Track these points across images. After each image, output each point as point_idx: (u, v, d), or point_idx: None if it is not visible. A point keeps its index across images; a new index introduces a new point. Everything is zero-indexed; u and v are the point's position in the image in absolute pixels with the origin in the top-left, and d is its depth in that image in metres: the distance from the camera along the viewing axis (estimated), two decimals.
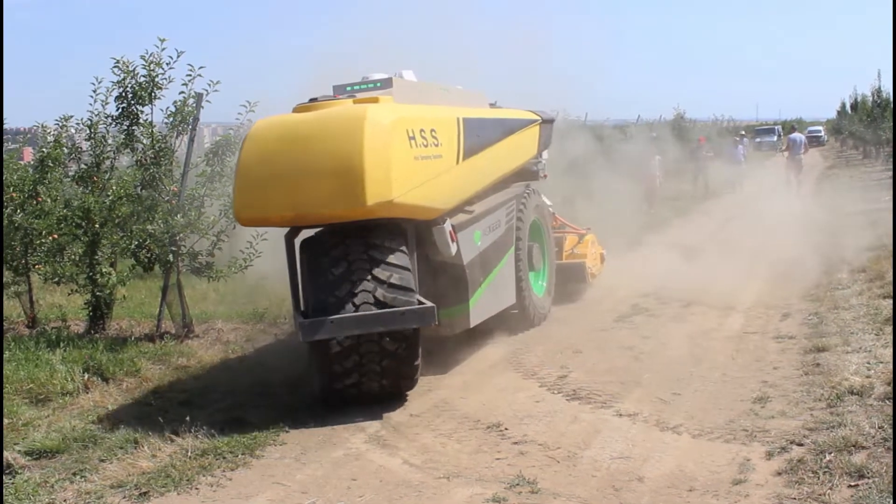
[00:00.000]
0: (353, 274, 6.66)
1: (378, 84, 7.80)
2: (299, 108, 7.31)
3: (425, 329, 6.99)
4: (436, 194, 7.33)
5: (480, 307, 8.21)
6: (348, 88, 7.84)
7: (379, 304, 6.57)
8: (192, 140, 9.87)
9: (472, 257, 8.09)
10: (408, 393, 7.12)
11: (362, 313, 6.49)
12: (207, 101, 9.53)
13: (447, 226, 7.58)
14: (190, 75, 9.17)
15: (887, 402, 6.00)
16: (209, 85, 9.41)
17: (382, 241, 6.86)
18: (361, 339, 6.60)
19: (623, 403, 6.57)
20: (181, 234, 9.36)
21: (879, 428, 5.49)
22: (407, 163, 6.88)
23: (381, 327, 6.50)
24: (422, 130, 7.17)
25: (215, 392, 7.45)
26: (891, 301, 9.15)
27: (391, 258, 6.77)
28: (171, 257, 9.38)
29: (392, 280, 6.68)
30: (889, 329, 8.04)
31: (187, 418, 6.39)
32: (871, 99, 44.32)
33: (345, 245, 6.84)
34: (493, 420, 6.33)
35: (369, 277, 6.64)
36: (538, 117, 10.75)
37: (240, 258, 10.26)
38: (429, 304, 6.76)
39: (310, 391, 7.21)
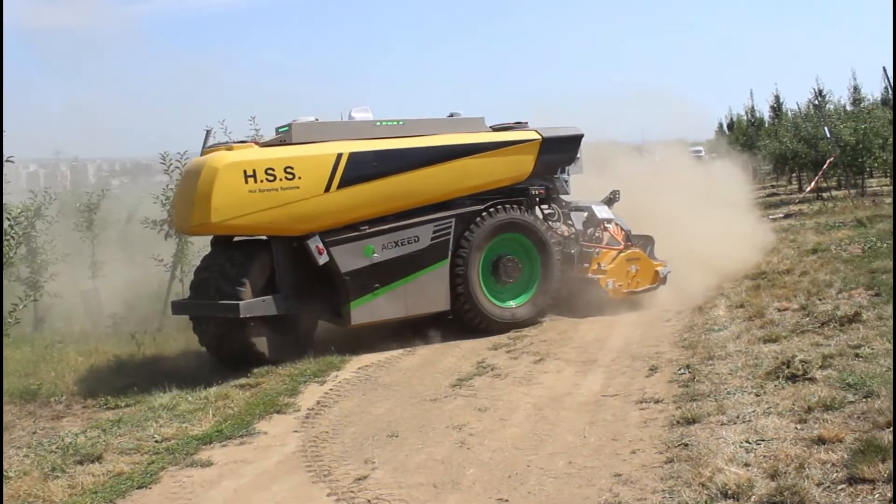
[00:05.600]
0: (210, 280, 9.11)
1: (286, 128, 9.60)
2: (203, 152, 9.80)
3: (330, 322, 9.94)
4: (289, 217, 8.99)
5: (367, 310, 9.46)
6: (279, 129, 9.85)
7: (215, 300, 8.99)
8: None
9: (357, 267, 9.37)
10: None
11: (194, 301, 9.31)
12: None
13: (313, 241, 9.18)
14: None
15: None
16: None
17: (240, 257, 9.15)
18: (204, 317, 9.25)
19: None
20: None
21: None
22: (238, 196, 8.73)
23: (202, 313, 9.23)
24: (268, 169, 8.86)
25: None
26: (772, 346, 7.83)
27: (236, 272, 8.98)
28: None
29: (227, 288, 8.91)
30: (771, 386, 6.64)
31: None
32: (745, 118, 44.79)
33: (215, 257, 9.40)
34: None
35: (217, 283, 9.02)
36: (538, 136, 10.64)
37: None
38: (234, 302, 8.76)
39: None
